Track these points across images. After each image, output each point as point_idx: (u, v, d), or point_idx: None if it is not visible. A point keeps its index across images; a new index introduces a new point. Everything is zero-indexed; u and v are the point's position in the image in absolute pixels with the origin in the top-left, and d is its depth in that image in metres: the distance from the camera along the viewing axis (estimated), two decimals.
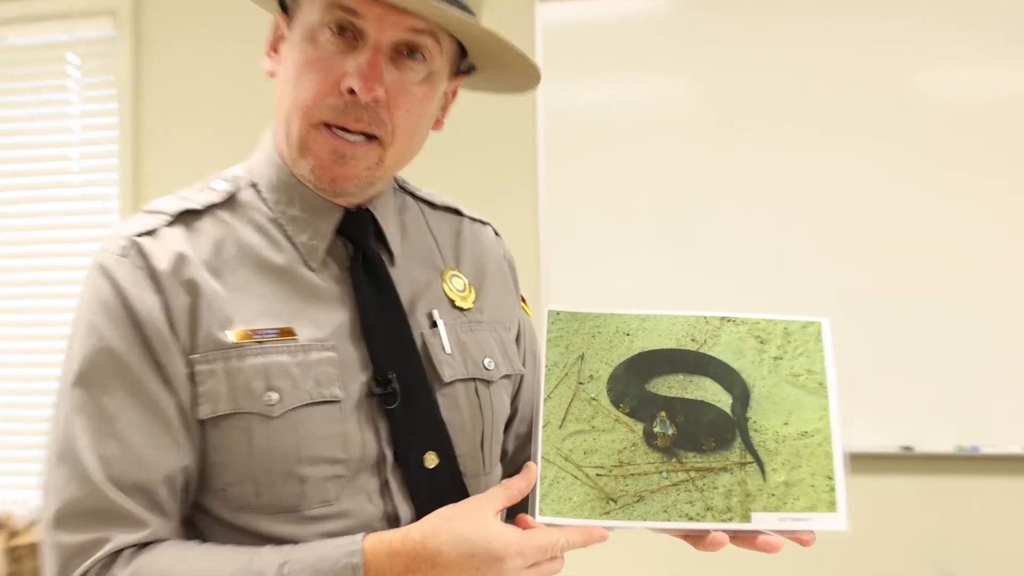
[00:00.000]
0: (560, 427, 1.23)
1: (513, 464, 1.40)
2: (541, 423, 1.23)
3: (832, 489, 1.19)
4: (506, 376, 1.33)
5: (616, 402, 1.25)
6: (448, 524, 1.05)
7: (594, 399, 1.25)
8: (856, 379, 3.32)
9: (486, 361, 1.29)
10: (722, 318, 1.29)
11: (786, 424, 1.23)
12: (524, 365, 1.41)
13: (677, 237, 3.55)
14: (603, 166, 3.63)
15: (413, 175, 1.40)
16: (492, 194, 3.72)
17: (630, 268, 3.55)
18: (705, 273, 3.51)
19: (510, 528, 1.08)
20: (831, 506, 1.18)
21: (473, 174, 3.76)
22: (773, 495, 1.19)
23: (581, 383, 1.25)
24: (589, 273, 3.60)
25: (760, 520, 1.18)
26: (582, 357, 1.27)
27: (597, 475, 1.20)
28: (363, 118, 1.13)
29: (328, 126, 1.14)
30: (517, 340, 1.40)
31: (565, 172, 3.66)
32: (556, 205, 3.66)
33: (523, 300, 1.47)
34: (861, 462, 3.43)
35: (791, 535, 1.17)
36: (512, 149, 3.76)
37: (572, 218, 3.63)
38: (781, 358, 1.27)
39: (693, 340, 1.28)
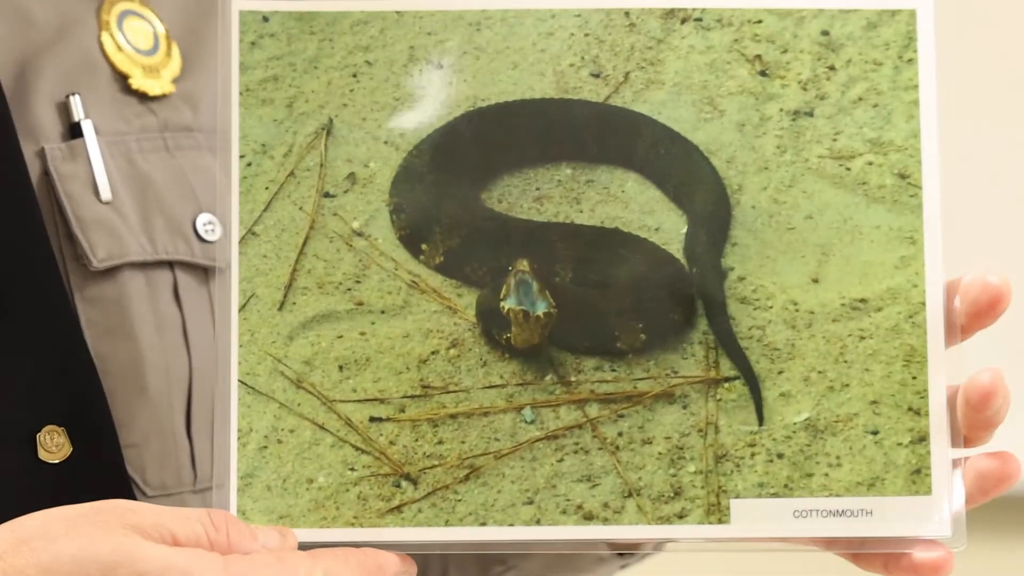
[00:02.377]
0: (279, 306, 0.56)
1: None
2: (229, 299, 0.57)
3: (922, 440, 0.53)
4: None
5: (412, 238, 0.57)
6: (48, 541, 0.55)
7: (359, 233, 0.56)
8: None
9: (201, 222, 0.65)
10: (673, 10, 0.57)
11: (816, 282, 0.54)
12: None
13: None
14: None
15: None
16: None
17: None
18: None
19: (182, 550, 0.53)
20: (917, 482, 0.53)
21: None
22: (780, 456, 0.53)
23: (328, 193, 0.56)
24: None
25: (750, 516, 0.53)
26: (328, 125, 0.57)
27: (371, 420, 0.55)
28: None
29: None
30: None
31: None
32: None
33: None
34: None
35: (830, 546, 0.55)
36: None
37: None
38: (812, 112, 0.56)
39: (596, 74, 0.57)
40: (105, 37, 0.69)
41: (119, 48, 0.69)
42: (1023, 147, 2.21)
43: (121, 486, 0.65)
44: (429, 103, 0.57)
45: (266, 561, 0.52)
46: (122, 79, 0.69)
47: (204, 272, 0.68)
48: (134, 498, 0.64)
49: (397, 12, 0.57)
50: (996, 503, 0.54)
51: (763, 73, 0.56)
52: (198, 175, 0.69)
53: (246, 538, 0.52)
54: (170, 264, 0.67)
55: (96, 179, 0.67)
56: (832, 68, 0.56)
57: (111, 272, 0.65)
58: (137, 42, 0.70)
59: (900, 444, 0.53)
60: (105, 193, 0.66)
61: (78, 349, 0.64)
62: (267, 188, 0.56)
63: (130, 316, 0.66)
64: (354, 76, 0.57)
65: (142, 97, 0.69)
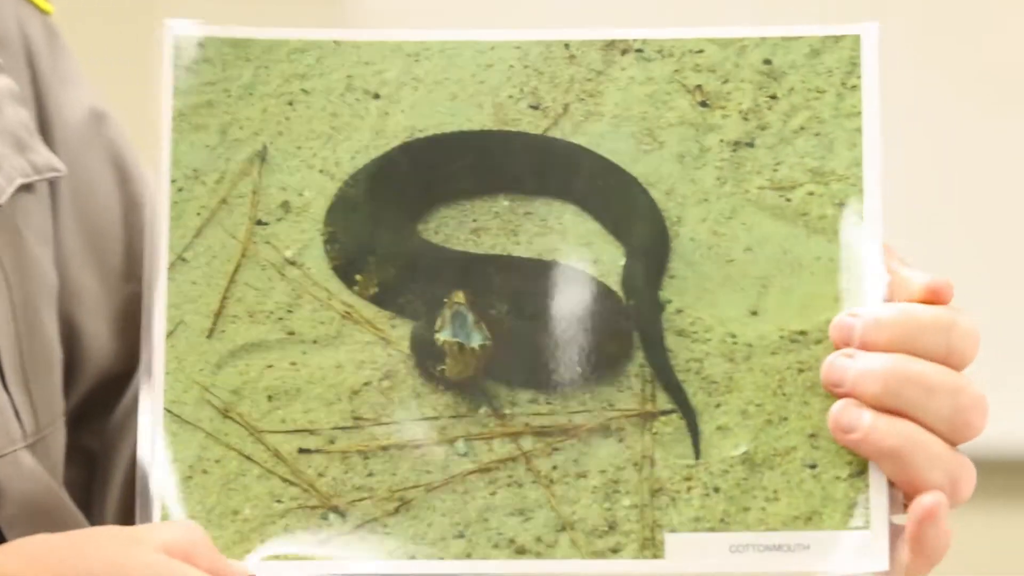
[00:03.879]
0: (208, 334, 0.55)
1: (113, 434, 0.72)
2: (156, 326, 0.56)
3: (860, 473, 0.53)
4: (26, 189, 0.64)
5: (346, 268, 0.57)
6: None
7: (292, 261, 0.56)
8: None
9: None
10: (613, 41, 0.58)
11: (755, 315, 0.54)
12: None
13: None
14: None
15: None
16: None
17: None
18: None
19: None
20: (855, 516, 0.52)
21: None
22: (717, 490, 0.53)
23: (260, 221, 0.56)
24: None
25: (685, 550, 0.53)
26: (262, 153, 0.57)
27: (300, 451, 0.55)
28: None
29: None
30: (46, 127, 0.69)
31: None
32: None
33: None
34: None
35: None
36: None
37: None
38: (753, 143, 0.56)
39: (535, 106, 0.57)
40: None
41: None
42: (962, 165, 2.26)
43: None
44: (366, 133, 0.57)
45: None
46: None
47: None
48: None
49: (335, 41, 0.58)
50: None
51: (704, 104, 0.57)
52: None
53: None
54: None
55: None
56: (774, 97, 0.56)
57: None
58: None
59: (838, 478, 0.52)
60: None
61: None
62: (198, 214, 0.56)
63: None
64: (290, 104, 0.57)
65: None
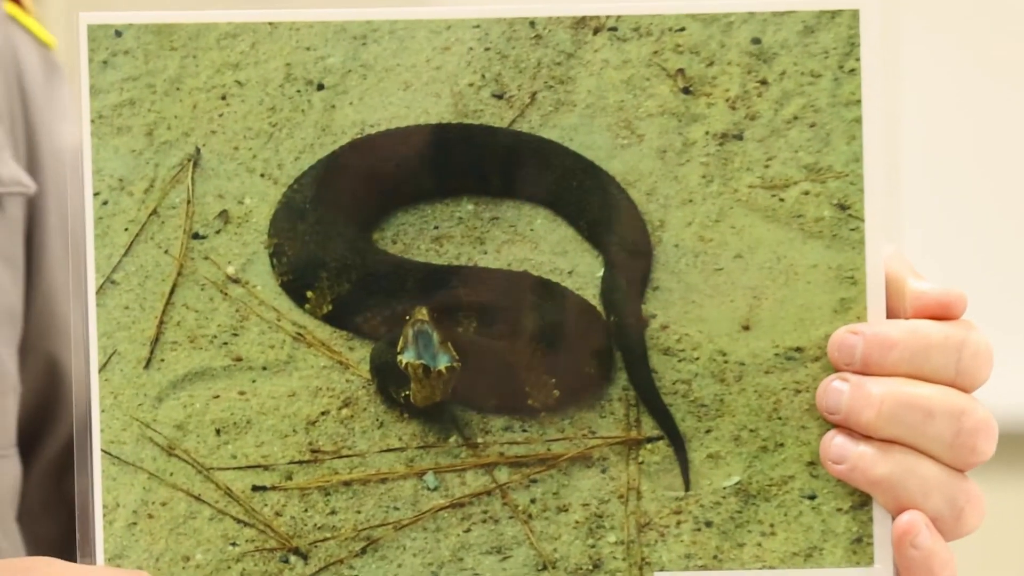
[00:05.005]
0: (146, 364, 0.51)
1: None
2: (86, 358, 0.51)
3: (863, 505, 0.50)
4: None
5: (296, 284, 0.52)
6: None
7: (235, 279, 0.51)
8: None
9: None
10: (584, 19, 0.52)
11: (747, 329, 0.51)
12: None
13: None
14: None
15: None
16: None
17: None
18: None
19: None
20: (858, 552, 0.50)
21: None
22: (709, 525, 0.50)
23: (197, 234, 0.51)
24: None
25: None
26: (194, 156, 0.52)
27: (254, 489, 0.51)
28: None
29: None
30: None
31: None
32: None
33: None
34: None
35: None
36: None
37: None
38: (741, 135, 0.51)
39: (499, 95, 0.52)
40: None
41: None
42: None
43: None
44: (310, 129, 0.51)
45: None
46: None
47: None
48: None
49: (270, 24, 0.51)
50: None
51: (686, 90, 0.51)
52: None
53: None
54: None
55: None
56: (764, 82, 0.51)
57: None
58: None
59: (840, 510, 0.49)
60: None
61: None
62: (127, 229, 0.51)
63: None
64: (223, 99, 0.51)
65: None
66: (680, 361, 0.50)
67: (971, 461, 0.48)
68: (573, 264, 0.51)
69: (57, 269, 0.65)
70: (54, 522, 0.58)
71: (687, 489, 0.50)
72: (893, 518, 0.48)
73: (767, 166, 0.51)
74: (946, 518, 0.48)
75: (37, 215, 0.67)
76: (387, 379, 0.50)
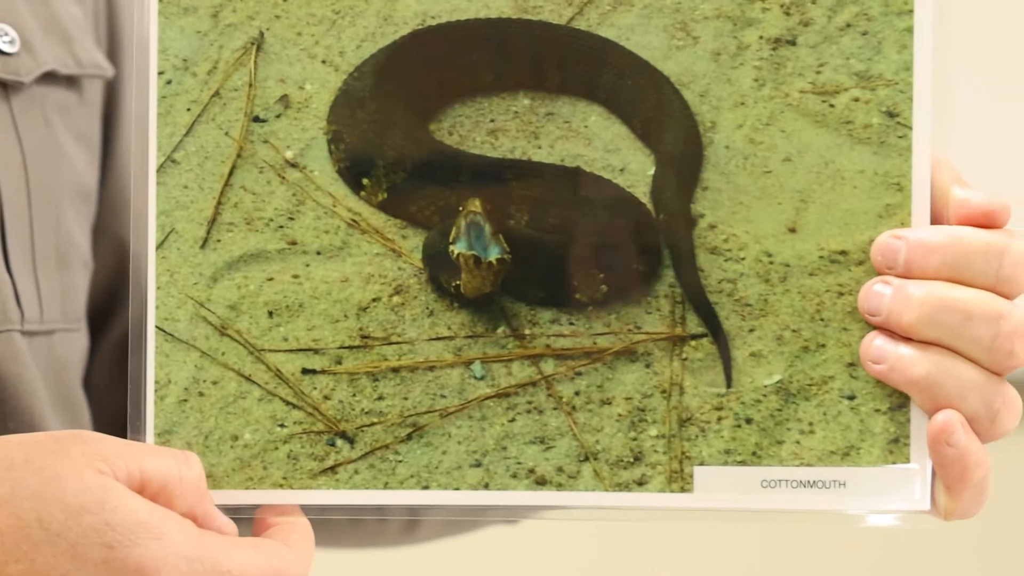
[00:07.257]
0: (202, 244, 0.52)
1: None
2: (145, 235, 0.52)
3: (901, 407, 0.51)
4: (67, 82, 0.68)
5: (352, 171, 0.53)
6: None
7: (293, 163, 0.53)
8: None
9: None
10: None
11: (793, 232, 0.52)
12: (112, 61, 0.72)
13: None
14: None
15: None
16: None
17: None
18: None
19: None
20: (895, 453, 0.51)
21: None
22: (749, 421, 0.51)
23: (258, 117, 0.53)
24: None
25: (714, 484, 0.51)
26: (258, 40, 0.53)
27: (304, 372, 0.52)
28: None
29: None
30: None
31: None
32: None
33: None
34: None
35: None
36: None
37: None
38: (795, 41, 0.53)
39: None
40: None
41: None
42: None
43: None
44: (372, 18, 0.52)
45: (242, 545, 0.49)
46: None
47: (3, 88, 0.65)
48: None
49: None
50: None
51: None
52: None
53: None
54: None
55: None
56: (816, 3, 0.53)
57: None
58: None
59: (878, 410, 0.51)
60: None
61: None
62: (189, 110, 0.52)
63: None
64: None
65: None
66: (726, 261, 0.52)
67: (1008, 364, 0.50)
68: (625, 162, 0.53)
69: (131, 153, 0.68)
70: (118, 400, 0.60)
71: (728, 386, 0.51)
72: (929, 418, 0.50)
73: (818, 72, 0.52)
74: (982, 419, 0.49)
75: (115, 98, 0.68)
76: (438, 268, 0.52)
